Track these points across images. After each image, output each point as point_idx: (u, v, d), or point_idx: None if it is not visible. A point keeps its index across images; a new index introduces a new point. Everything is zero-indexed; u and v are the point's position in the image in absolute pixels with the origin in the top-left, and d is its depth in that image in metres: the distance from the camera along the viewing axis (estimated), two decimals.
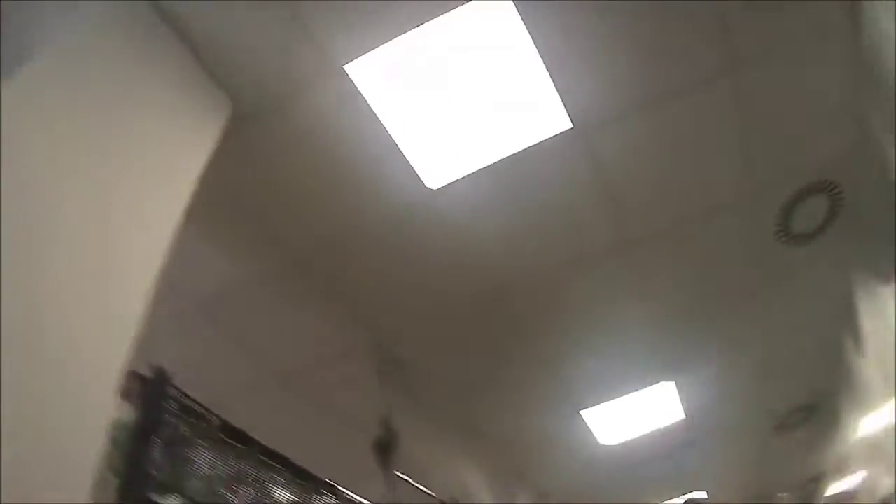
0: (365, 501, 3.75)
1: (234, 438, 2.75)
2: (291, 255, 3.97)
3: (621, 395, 6.05)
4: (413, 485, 4.67)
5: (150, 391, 2.34)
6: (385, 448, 4.38)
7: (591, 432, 6.54)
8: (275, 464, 2.96)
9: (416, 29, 2.94)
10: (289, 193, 3.58)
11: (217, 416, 2.72)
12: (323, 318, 4.49)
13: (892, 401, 5.11)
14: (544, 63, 3.11)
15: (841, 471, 6.09)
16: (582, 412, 6.17)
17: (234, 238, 3.82)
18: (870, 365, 4.88)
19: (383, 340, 4.70)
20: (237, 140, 3.11)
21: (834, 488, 6.46)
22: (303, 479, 3.12)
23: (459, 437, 5.68)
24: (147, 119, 2.57)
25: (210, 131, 2.94)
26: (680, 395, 6.22)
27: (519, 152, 3.51)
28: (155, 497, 2.19)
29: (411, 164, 3.46)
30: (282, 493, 2.94)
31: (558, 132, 3.43)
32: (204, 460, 2.54)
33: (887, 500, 5.91)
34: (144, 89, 2.59)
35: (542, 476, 7.12)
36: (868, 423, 5.27)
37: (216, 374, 4.69)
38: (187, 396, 2.59)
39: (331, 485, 3.36)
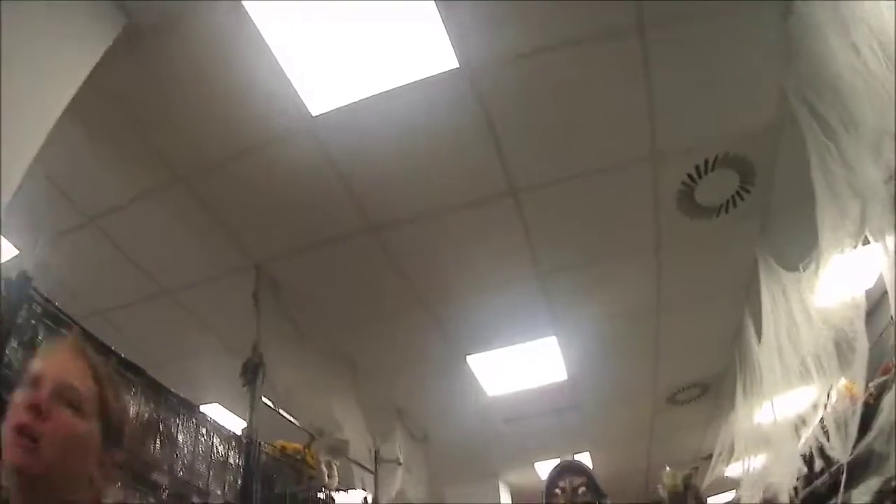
0: (223, 424, 4.10)
1: (93, 348, 3.01)
2: (177, 172, 4.25)
3: (506, 345, 6.56)
4: (278, 412, 5.03)
5: (9, 293, 2.57)
6: (252, 372, 4.69)
7: (476, 380, 7.08)
8: (131, 376, 3.25)
9: None
10: (176, 110, 3.84)
11: (77, 324, 2.97)
12: (205, 238, 4.81)
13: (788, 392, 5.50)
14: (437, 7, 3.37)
15: (731, 455, 6.62)
16: (468, 358, 6.69)
17: (125, 153, 4.08)
18: (767, 352, 5.27)
19: (262, 263, 5.02)
20: (131, 54, 3.38)
21: (720, 472, 7.02)
22: (158, 394, 3.42)
23: (336, 368, 6.09)
24: (37, 24, 2.84)
25: (99, 41, 3.21)
26: (563, 352, 6.78)
27: (403, 86, 3.78)
28: (5, 395, 2.45)
29: (296, 88, 3.72)
30: (134, 405, 3.24)
31: (444, 70, 3.71)
32: None
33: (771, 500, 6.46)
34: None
35: (422, 417, 7.63)
36: (763, 412, 5.74)
37: (102, 286, 5.11)
38: (49, 302, 2.83)
39: (187, 401, 3.67)
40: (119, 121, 3.79)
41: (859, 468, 4.01)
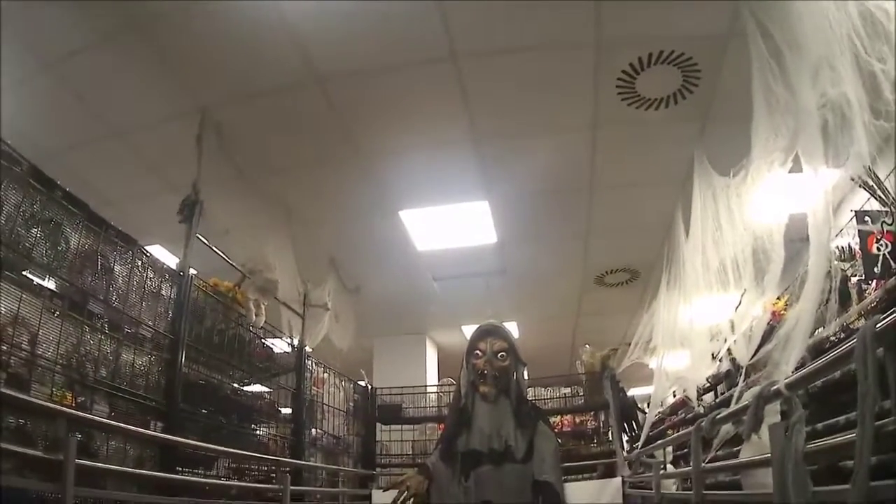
0: (157, 258, 4.40)
1: (39, 182, 3.26)
2: (134, 19, 4.43)
3: (439, 204, 6.95)
4: (212, 249, 5.35)
5: None
6: (190, 209, 4.95)
7: (408, 235, 7.47)
8: (74, 209, 3.50)
9: None
10: None
11: (28, 161, 3.19)
12: (154, 82, 5.07)
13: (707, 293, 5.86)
14: None
15: (648, 344, 7.02)
16: (400, 213, 7.05)
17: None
18: (692, 249, 5.59)
19: (208, 108, 5.23)
20: None
21: (637, 357, 7.43)
22: (98, 227, 3.69)
23: (273, 212, 6.36)
24: None
25: None
26: (494, 217, 7.18)
27: None
28: None
29: None
30: (75, 237, 3.51)
31: None
32: (11, 202, 3.06)
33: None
34: None
35: (355, 270, 8.02)
36: (683, 308, 6.06)
37: (57, 128, 5.42)
38: (3, 142, 3.04)
39: (125, 235, 3.95)
40: None
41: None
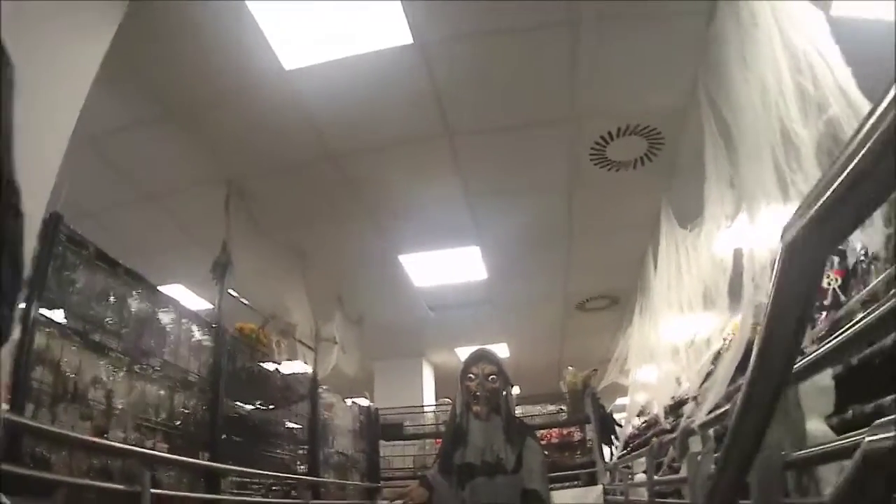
0: (198, 312, 4.90)
1: (104, 262, 3.74)
2: (166, 105, 4.95)
3: (435, 249, 7.51)
4: (240, 301, 5.84)
5: (46, 230, 3.24)
6: (222, 269, 5.45)
7: (406, 274, 8.00)
8: (134, 281, 3.99)
9: None
10: (170, 58, 4.48)
11: (93, 244, 3.66)
12: (186, 155, 5.55)
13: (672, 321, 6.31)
14: None
15: (624, 364, 7.46)
16: (400, 257, 7.61)
17: (125, 88, 4.66)
18: (659, 284, 6.08)
19: (234, 177, 5.73)
20: (133, 17, 3.88)
21: (614, 377, 7.86)
22: (153, 295, 4.20)
23: (289, 262, 6.92)
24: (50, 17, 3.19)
25: (110, 18, 3.70)
26: (484, 258, 7.75)
27: (366, 53, 4.49)
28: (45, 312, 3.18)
29: (274, 50, 4.40)
30: (137, 305, 4.00)
31: (400, 44, 4.43)
32: (81, 280, 3.54)
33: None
34: None
35: (359, 303, 8.54)
36: (653, 333, 6.49)
37: (98, 196, 5.80)
38: (73, 231, 3.51)
39: (173, 300, 4.46)
40: (121, 63, 4.20)
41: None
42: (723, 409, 3.26)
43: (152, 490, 3.42)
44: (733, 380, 3.79)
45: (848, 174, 0.83)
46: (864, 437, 0.85)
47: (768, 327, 1.21)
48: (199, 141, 5.37)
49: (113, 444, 3.44)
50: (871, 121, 0.77)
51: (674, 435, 4.62)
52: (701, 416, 3.84)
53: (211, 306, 6.96)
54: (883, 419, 0.86)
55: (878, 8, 4.14)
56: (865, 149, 0.79)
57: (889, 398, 2.58)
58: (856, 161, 0.81)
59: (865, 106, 2.51)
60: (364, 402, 9.55)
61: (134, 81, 4.61)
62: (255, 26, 4.19)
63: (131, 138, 5.18)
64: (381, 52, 4.47)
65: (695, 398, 4.92)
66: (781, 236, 1.05)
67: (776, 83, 3.05)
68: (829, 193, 0.89)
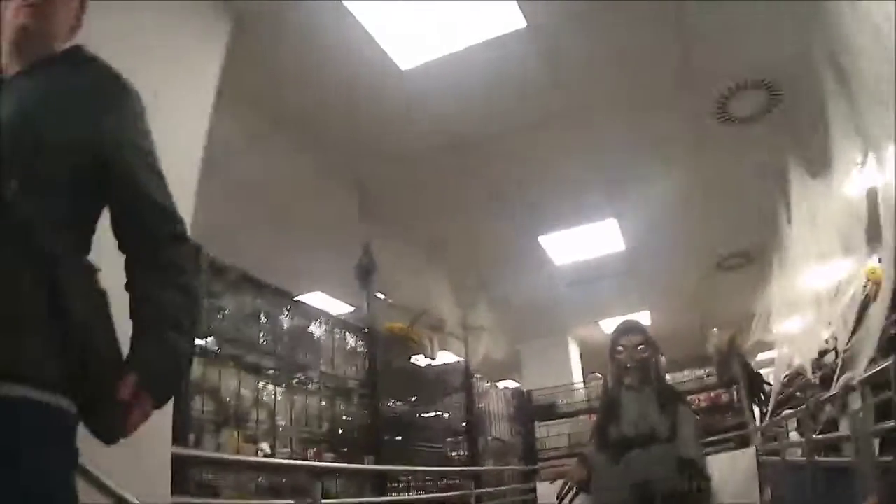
0: (350, 320, 4.96)
1: (250, 284, 3.82)
2: (289, 120, 5.01)
3: (573, 227, 7.33)
4: (388, 301, 5.88)
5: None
6: (366, 272, 5.50)
7: (546, 253, 7.87)
8: (282, 299, 4.07)
9: None
10: (284, 78, 4.52)
11: (236, 268, 3.73)
12: (314, 167, 5.60)
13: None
14: None
15: (768, 321, 7.16)
16: (539, 238, 7.48)
17: (237, 105, 4.68)
18: (794, 238, 5.80)
19: (364, 181, 5.77)
20: (241, 39, 3.89)
21: (760, 335, 7.59)
22: (302, 309, 4.27)
23: (431, 259, 6.92)
24: (165, 36, 3.21)
25: (220, 36, 3.74)
26: (622, 230, 7.54)
27: (481, 43, 4.36)
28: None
29: (386, 52, 4.34)
30: (288, 321, 4.08)
31: (514, 29, 4.28)
32: (229, 305, 3.62)
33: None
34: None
35: (501, 287, 8.45)
36: (793, 287, 6.24)
37: (227, 215, 5.79)
38: (214, 258, 3.58)
39: (322, 311, 4.53)
40: (233, 84, 4.05)
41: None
42: (883, 365, 3.00)
43: (323, 501, 3.47)
44: (884, 331, 3.54)
45: None
46: None
47: None
48: (325, 148, 5.38)
49: (278, 461, 3.52)
50: None
51: (830, 392, 4.35)
52: (860, 372, 3.58)
53: (352, 308, 7.12)
54: None
55: None
56: None
57: None
58: None
59: None
60: (513, 384, 9.54)
61: (248, 100, 4.61)
62: (364, 32, 4.14)
63: (254, 154, 5.23)
64: (496, 40, 4.35)
65: (845, 351, 4.61)
66: None
67: (887, 22, 2.81)
68: None
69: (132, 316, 1.43)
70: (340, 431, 4.32)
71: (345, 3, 3.89)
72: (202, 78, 3.55)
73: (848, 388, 3.65)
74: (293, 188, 5.86)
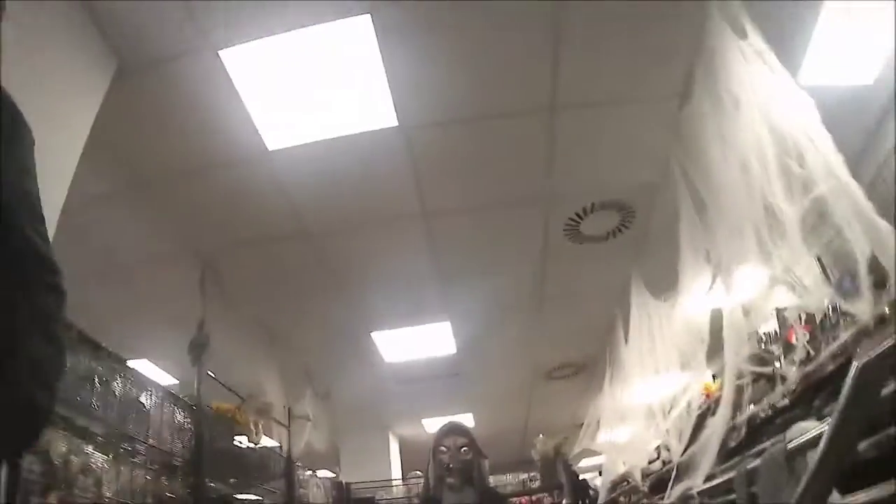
0: (180, 396, 4.77)
1: (87, 343, 3.63)
2: (143, 180, 4.82)
3: (406, 326, 7.49)
4: (219, 381, 5.70)
5: None
6: (199, 348, 5.33)
7: (377, 350, 7.95)
8: (116, 364, 3.88)
9: (287, 33, 3.77)
10: (151, 137, 4.40)
11: (76, 326, 3.54)
12: (160, 233, 5.41)
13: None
14: (386, 71, 4.01)
15: (597, 431, 7.54)
16: (373, 334, 7.56)
17: (94, 162, 4.52)
18: (630, 354, 6.18)
19: (208, 256, 5.66)
20: (118, 89, 3.79)
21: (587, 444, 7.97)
22: (135, 377, 4.08)
23: (263, 343, 6.83)
24: (45, 72, 3.08)
25: (100, 84, 3.64)
26: (454, 333, 7.75)
27: (350, 135, 4.49)
28: None
29: (259, 130, 4.36)
30: (120, 388, 3.88)
31: (385, 127, 4.45)
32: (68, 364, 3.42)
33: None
34: (43, 42, 3.11)
35: (328, 378, 8.42)
36: (625, 400, 6.60)
37: (65, 266, 5.49)
38: None
39: (154, 383, 4.34)
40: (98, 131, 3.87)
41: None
42: (726, 477, 3.28)
43: None
44: (723, 445, 3.82)
45: None
46: None
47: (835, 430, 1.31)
48: (177, 216, 5.25)
49: None
50: None
51: (666, 501, 4.59)
52: (699, 483, 3.85)
53: (176, 381, 6.83)
54: None
55: (845, 75, 4.38)
56: None
57: None
58: None
59: (855, 187, 2.62)
60: (330, 475, 9.38)
61: (109, 150, 4.39)
62: (241, 106, 4.15)
63: (100, 210, 4.97)
64: (365, 134, 4.49)
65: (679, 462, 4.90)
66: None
67: (759, 163, 3.14)
68: None
69: None
70: None
71: (228, 68, 3.88)
72: (76, 123, 3.42)
73: (687, 498, 3.91)
74: (136, 251, 5.60)
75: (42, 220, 1.46)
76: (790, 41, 4.00)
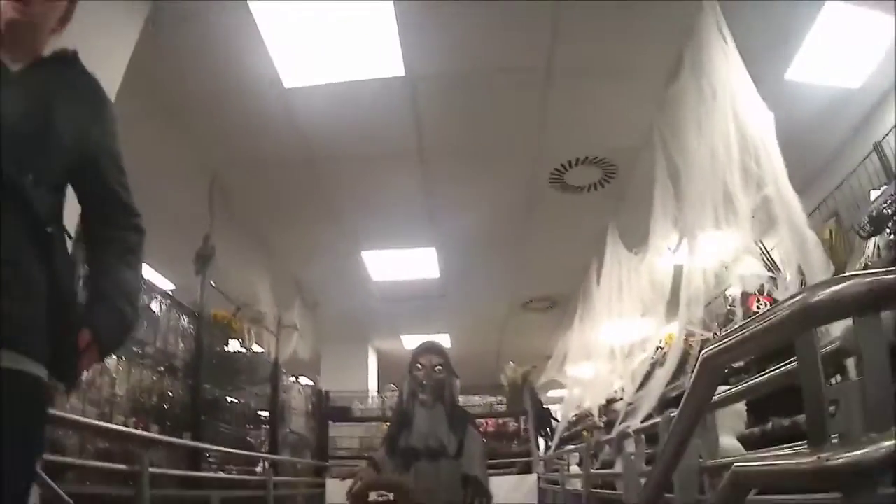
0: (184, 304, 5.15)
1: None
2: (170, 105, 5.09)
3: (395, 248, 7.90)
4: (220, 291, 6.08)
5: None
6: (204, 261, 5.67)
7: (366, 268, 8.35)
8: None
9: None
10: (176, 67, 4.65)
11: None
12: (178, 150, 5.64)
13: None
14: (398, 23, 4.25)
15: (563, 364, 7.98)
16: (363, 253, 7.95)
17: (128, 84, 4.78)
18: (601, 297, 6.54)
19: (218, 173, 5.94)
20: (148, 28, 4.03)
21: (552, 376, 8.47)
22: (147, 286, 4.44)
23: (261, 255, 7.18)
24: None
25: (131, 30, 3.88)
26: (439, 259, 8.14)
27: (361, 80, 4.77)
28: None
29: (277, 68, 4.62)
30: None
31: (393, 76, 4.74)
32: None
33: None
34: None
35: (317, 291, 8.83)
36: (592, 339, 7.05)
37: None
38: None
39: (164, 291, 4.72)
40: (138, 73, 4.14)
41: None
42: (655, 420, 3.74)
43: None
44: (663, 393, 4.28)
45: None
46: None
47: (695, 381, 1.66)
48: (193, 135, 5.48)
49: (116, 427, 3.68)
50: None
51: (610, 435, 5.10)
52: (636, 423, 4.32)
53: (173, 287, 7.20)
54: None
55: (830, 76, 4.67)
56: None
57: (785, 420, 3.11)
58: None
59: (792, 197, 2.97)
60: (310, 382, 9.85)
61: (143, 77, 4.40)
62: (261, 43, 4.36)
63: (128, 128, 5.18)
64: (375, 80, 4.76)
65: (630, 403, 5.36)
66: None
67: (725, 152, 3.47)
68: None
69: (91, 283, 1.71)
70: (166, 406, 4.52)
71: (252, 10, 4.09)
72: (114, 57, 3.66)
73: (624, 435, 4.41)
74: (155, 164, 5.76)
75: (125, 173, 1.83)
76: (784, 37, 4.34)
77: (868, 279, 1.00)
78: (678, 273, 4.50)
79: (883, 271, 1.02)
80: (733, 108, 3.50)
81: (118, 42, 3.76)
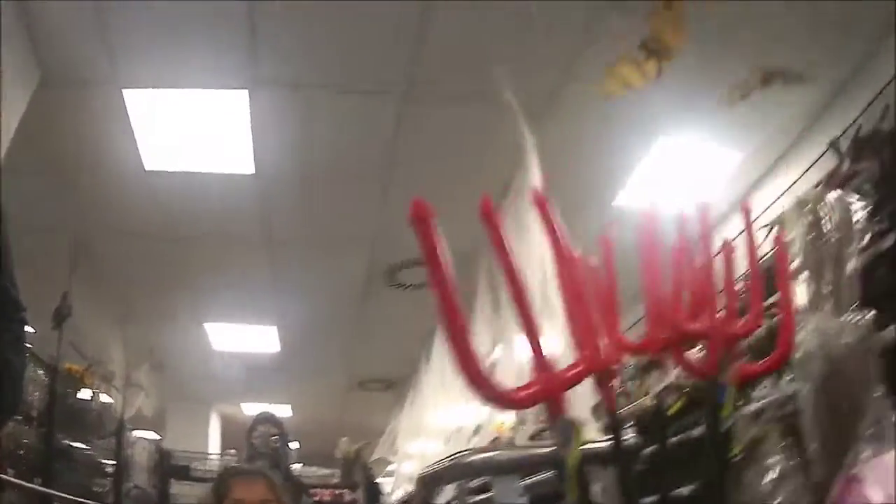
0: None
1: None
2: (38, 164, 5.17)
3: (237, 323, 8.48)
4: (73, 346, 6.29)
5: None
6: (61, 317, 5.90)
7: (209, 338, 8.85)
8: None
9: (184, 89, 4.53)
10: (52, 130, 4.83)
11: None
12: (44, 211, 5.73)
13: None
14: (251, 123, 4.72)
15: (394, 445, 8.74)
16: (205, 324, 8.47)
17: None
18: (431, 380, 7.05)
19: (82, 237, 6.22)
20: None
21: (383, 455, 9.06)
22: None
23: (117, 318, 7.55)
24: None
25: (25, 92, 4.09)
26: (280, 337, 8.75)
27: (213, 173, 5.34)
28: None
29: (140, 151, 5.02)
30: None
31: (244, 173, 5.30)
32: None
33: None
34: None
35: (165, 355, 9.04)
36: (422, 422, 7.65)
37: None
38: None
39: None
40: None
41: None
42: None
43: None
44: None
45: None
46: None
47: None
48: (58, 197, 5.68)
49: None
50: None
51: None
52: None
53: (33, 330, 7.24)
54: None
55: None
56: None
57: None
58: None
59: None
60: (157, 437, 9.90)
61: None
62: (129, 126, 4.72)
63: None
64: (226, 175, 5.34)
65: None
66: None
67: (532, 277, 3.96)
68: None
69: None
70: (21, 452, 4.71)
71: (125, 95, 4.47)
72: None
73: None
74: (19, 219, 5.98)
75: (12, 269, 1.94)
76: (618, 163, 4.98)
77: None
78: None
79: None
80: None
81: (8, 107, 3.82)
